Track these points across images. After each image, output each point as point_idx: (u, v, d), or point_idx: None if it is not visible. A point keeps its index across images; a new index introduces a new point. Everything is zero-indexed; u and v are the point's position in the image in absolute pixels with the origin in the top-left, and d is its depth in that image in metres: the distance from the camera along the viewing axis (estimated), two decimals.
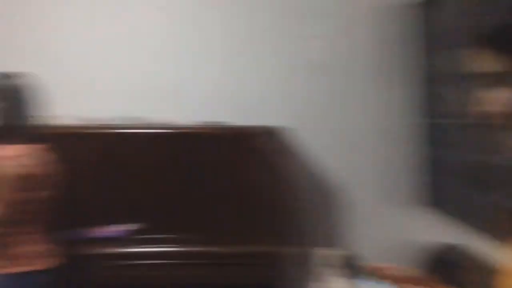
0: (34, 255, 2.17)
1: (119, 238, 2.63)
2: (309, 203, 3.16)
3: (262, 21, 3.16)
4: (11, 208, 2.09)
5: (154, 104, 3.07)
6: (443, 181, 2.82)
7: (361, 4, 3.16)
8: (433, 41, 2.94)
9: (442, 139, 2.83)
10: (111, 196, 2.69)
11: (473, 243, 2.34)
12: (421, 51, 3.08)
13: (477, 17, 2.33)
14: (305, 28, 3.16)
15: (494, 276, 1.56)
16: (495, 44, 1.45)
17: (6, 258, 2.11)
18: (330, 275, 2.45)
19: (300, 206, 3.11)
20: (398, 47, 3.16)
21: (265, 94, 3.15)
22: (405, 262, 2.71)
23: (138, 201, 2.72)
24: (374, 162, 3.19)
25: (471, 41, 2.26)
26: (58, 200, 2.30)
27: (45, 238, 2.24)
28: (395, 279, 2.39)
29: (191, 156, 2.76)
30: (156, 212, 2.72)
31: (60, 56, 3.08)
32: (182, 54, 3.15)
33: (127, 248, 2.58)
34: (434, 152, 2.97)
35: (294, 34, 3.16)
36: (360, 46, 3.17)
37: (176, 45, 3.16)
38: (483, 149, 2.32)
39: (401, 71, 3.17)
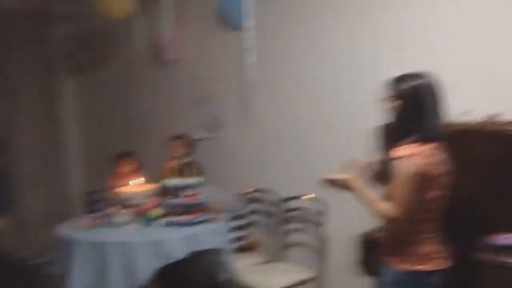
0: (431, 254, 2.20)
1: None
2: None
3: None
4: (409, 207, 2.12)
5: None
6: None
7: None
8: None
9: None
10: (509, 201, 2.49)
11: None
12: None
13: None
14: None
15: None
16: None
17: (411, 256, 2.19)
18: None
19: None
20: None
21: None
22: None
23: None
24: None
25: None
26: (452, 200, 2.25)
27: (440, 238, 2.24)
28: None
29: None
30: None
31: (461, 53, 2.99)
32: None
33: None
34: None
35: None
36: None
37: None
38: None
39: None
